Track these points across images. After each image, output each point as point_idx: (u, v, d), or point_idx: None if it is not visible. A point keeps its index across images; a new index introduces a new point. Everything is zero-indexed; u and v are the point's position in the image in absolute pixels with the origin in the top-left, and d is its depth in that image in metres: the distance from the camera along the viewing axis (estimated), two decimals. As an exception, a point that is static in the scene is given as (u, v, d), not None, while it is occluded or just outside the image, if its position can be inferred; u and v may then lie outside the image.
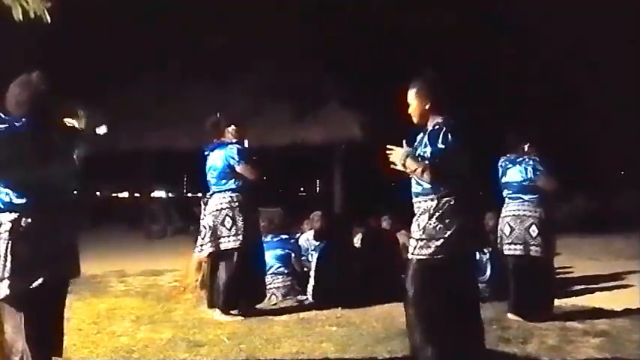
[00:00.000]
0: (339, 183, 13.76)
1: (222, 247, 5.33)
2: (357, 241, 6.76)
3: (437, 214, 3.39)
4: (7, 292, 3.08)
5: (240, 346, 4.33)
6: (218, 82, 13.62)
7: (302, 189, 22.74)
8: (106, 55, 13.92)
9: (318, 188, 21.36)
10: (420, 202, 3.50)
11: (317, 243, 6.54)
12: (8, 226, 3.10)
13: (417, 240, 3.44)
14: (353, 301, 5.63)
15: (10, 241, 3.10)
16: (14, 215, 3.11)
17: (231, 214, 5.32)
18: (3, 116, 3.15)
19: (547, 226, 5.26)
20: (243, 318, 5.19)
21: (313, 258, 6.25)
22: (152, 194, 17.34)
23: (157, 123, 13.31)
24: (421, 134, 3.55)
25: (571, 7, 15.36)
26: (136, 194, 17.20)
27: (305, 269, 6.29)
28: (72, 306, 5.20)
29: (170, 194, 19.52)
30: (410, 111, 3.61)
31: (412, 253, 3.47)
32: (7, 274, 3.09)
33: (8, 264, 3.09)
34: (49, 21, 4.21)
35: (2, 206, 3.13)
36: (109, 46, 13.95)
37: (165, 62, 14.64)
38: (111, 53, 13.89)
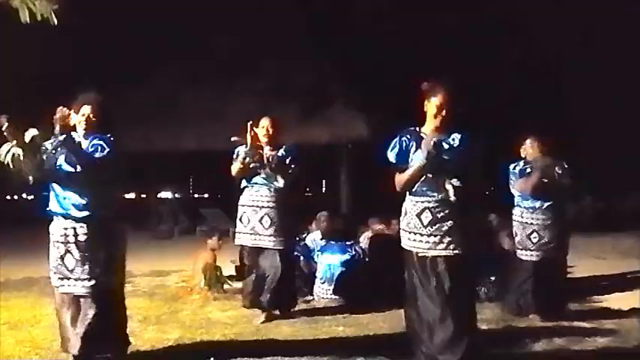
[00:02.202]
0: (346, 183, 13.76)
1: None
2: (362, 240, 6.76)
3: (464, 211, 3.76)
4: (88, 290, 3.71)
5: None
6: (224, 83, 13.64)
7: (308, 189, 22.72)
8: (112, 57, 13.96)
9: (324, 188, 21.35)
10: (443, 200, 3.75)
11: (323, 243, 6.54)
12: (84, 230, 3.75)
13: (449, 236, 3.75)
14: (360, 302, 5.63)
15: (89, 244, 3.73)
16: (89, 222, 3.75)
17: (247, 213, 5.26)
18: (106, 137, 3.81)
19: (552, 232, 5.20)
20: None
21: (320, 258, 6.26)
22: (158, 195, 17.38)
23: (163, 124, 13.33)
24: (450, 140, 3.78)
25: (576, 6, 15.31)
26: (143, 195, 17.24)
27: (312, 269, 6.30)
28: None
29: (177, 195, 19.55)
30: (445, 114, 3.79)
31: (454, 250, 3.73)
32: (87, 275, 3.73)
33: (87, 265, 3.73)
34: (56, 22, 4.22)
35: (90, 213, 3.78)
36: (114, 48, 14.00)
37: (171, 63, 14.66)
38: (117, 54, 13.93)
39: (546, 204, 5.23)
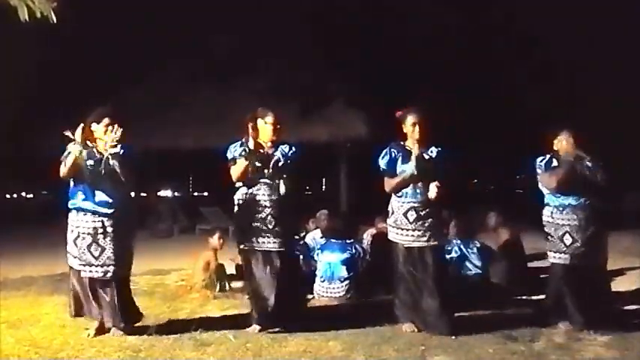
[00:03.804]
0: (345, 181, 13.75)
1: None
2: (366, 237, 6.77)
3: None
4: (111, 274, 4.52)
5: (246, 345, 4.33)
6: (223, 83, 13.63)
7: (307, 188, 22.73)
8: (112, 56, 13.97)
9: (324, 187, 21.37)
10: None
11: (323, 242, 6.53)
12: (110, 223, 4.53)
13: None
14: (360, 300, 5.62)
15: (114, 236, 4.53)
16: (115, 216, 4.54)
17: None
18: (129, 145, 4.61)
19: (585, 233, 4.82)
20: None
21: (320, 257, 6.26)
22: (158, 193, 17.38)
23: (163, 123, 13.32)
24: (429, 153, 4.83)
25: (577, 5, 15.30)
26: (142, 193, 17.23)
27: (312, 268, 6.29)
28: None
29: (176, 193, 19.56)
30: (419, 130, 4.79)
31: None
32: (110, 261, 4.51)
33: (113, 254, 4.52)
34: (55, 21, 4.20)
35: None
36: (114, 48, 14.00)
37: (171, 63, 14.66)
38: (116, 54, 13.94)
39: (577, 202, 4.87)
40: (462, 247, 6.35)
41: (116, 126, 4.58)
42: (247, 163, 4.73)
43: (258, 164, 4.75)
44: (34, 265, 8.25)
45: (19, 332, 4.73)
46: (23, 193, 24.80)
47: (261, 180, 4.78)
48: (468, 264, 6.29)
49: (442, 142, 4.89)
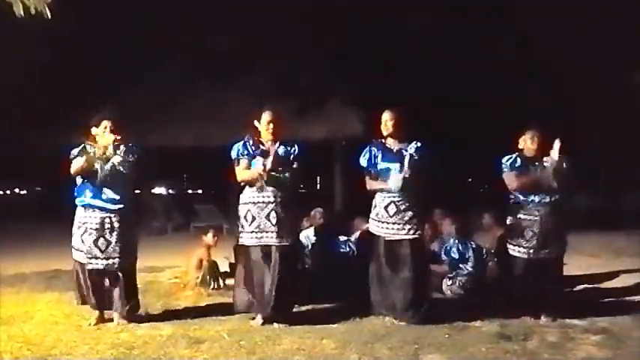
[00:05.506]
0: (340, 180, 13.74)
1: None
2: (354, 236, 6.76)
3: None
4: (117, 266, 4.83)
5: (240, 343, 4.33)
6: (220, 81, 13.60)
7: (302, 186, 22.74)
8: (109, 55, 13.94)
9: (318, 185, 21.37)
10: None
11: (317, 239, 6.52)
12: (117, 219, 4.82)
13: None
14: (353, 298, 5.62)
15: (119, 230, 4.82)
16: (121, 212, 4.85)
17: (252, 210, 4.98)
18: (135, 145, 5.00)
19: (547, 230, 5.02)
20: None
21: (313, 255, 6.25)
22: (152, 191, 17.34)
23: (159, 121, 13.27)
24: (408, 148, 5.07)
25: (575, 7, 15.31)
26: (136, 191, 17.22)
27: (305, 266, 6.28)
28: (72, 302, 5.23)
29: (170, 191, 19.54)
30: (392, 127, 5.12)
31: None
32: (116, 254, 4.81)
33: (118, 247, 4.81)
34: (50, 16, 4.18)
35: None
36: (112, 46, 13.97)
37: (168, 62, 14.62)
38: (114, 53, 13.90)
39: (539, 200, 5.05)
40: (458, 246, 6.34)
41: (114, 130, 4.91)
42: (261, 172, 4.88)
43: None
44: (26, 262, 8.23)
45: (11, 329, 4.72)
46: (17, 190, 24.69)
47: (265, 178, 4.88)
48: (463, 264, 6.29)
49: (423, 138, 5.15)
